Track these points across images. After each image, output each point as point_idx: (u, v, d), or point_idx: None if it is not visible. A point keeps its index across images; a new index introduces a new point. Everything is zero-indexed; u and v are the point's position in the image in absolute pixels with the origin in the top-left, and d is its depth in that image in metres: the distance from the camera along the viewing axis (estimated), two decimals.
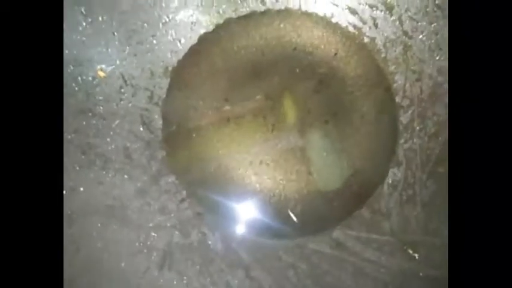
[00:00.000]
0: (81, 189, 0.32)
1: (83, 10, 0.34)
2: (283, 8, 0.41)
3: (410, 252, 0.34)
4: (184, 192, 0.36)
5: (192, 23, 0.39)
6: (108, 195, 0.33)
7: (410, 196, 0.36)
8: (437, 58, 0.38)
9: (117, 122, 0.35)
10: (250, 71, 0.40)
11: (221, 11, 0.40)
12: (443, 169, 0.36)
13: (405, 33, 0.39)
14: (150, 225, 0.34)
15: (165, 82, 0.38)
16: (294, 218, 0.37)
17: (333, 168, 0.39)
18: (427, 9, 0.38)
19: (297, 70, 0.40)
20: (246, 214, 0.37)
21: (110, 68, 0.36)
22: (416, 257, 0.33)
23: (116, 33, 0.36)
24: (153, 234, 0.33)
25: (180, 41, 0.39)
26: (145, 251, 0.33)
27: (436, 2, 0.38)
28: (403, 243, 0.34)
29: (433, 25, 0.38)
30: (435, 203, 0.35)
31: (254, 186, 0.38)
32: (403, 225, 0.35)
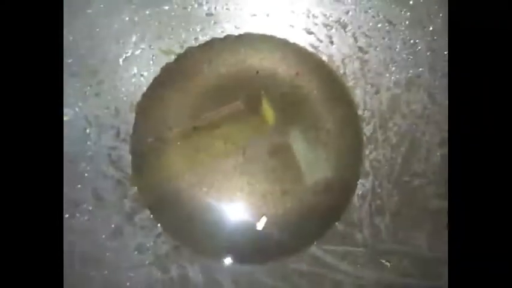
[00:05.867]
0: None
1: None
2: (242, 33, 0.42)
3: (383, 261, 0.35)
4: (159, 226, 0.36)
5: (152, 55, 0.39)
6: (82, 241, 0.33)
7: (379, 206, 0.38)
8: (393, 70, 0.40)
9: (83, 164, 0.35)
10: (216, 97, 0.40)
11: (181, 41, 0.40)
12: (407, 178, 0.38)
13: (360, 49, 0.41)
14: (127, 265, 0.33)
15: (131, 117, 0.38)
16: (260, 226, 0.37)
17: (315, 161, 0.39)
18: (379, 25, 0.40)
19: (262, 92, 0.41)
20: (224, 240, 0.37)
21: (72, 112, 0.35)
22: (389, 266, 0.35)
23: (75, 75, 0.35)
24: (130, 274, 0.33)
25: (142, 75, 0.39)
26: None
27: (387, 18, 0.40)
28: (376, 253, 0.36)
29: (385, 39, 0.40)
30: (402, 212, 0.37)
31: (229, 210, 0.38)
32: (375, 235, 0.36)
